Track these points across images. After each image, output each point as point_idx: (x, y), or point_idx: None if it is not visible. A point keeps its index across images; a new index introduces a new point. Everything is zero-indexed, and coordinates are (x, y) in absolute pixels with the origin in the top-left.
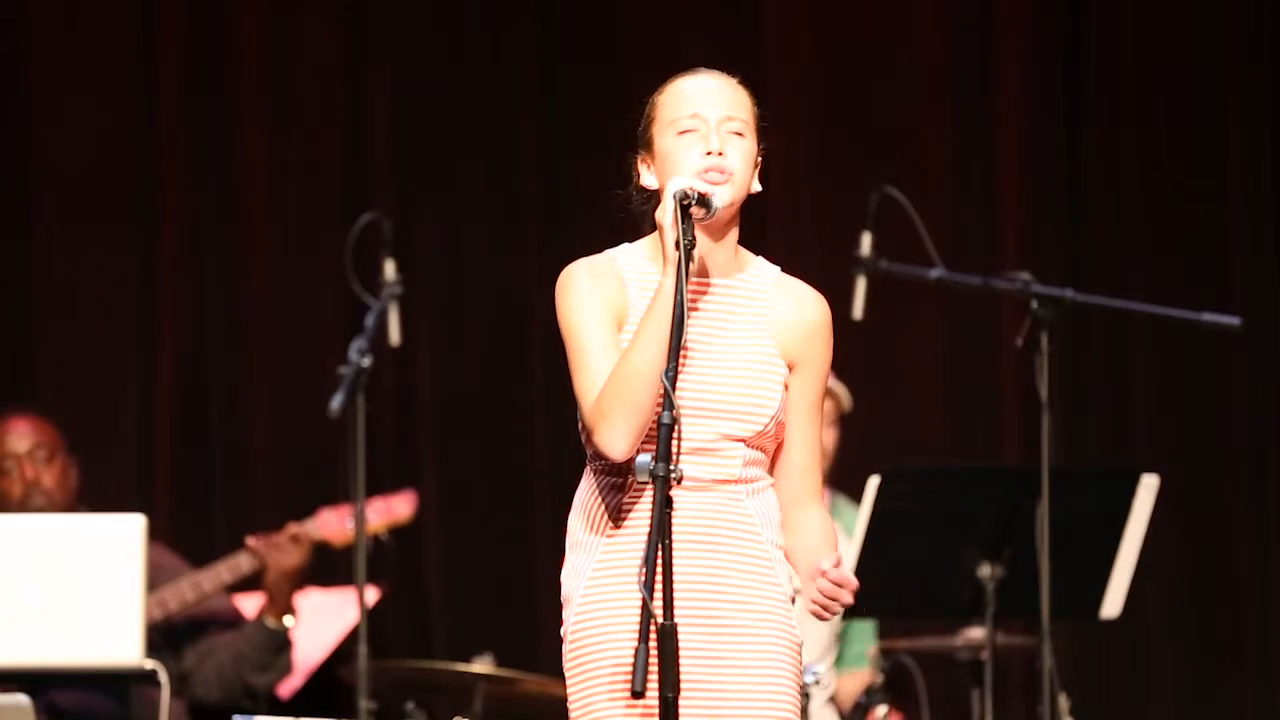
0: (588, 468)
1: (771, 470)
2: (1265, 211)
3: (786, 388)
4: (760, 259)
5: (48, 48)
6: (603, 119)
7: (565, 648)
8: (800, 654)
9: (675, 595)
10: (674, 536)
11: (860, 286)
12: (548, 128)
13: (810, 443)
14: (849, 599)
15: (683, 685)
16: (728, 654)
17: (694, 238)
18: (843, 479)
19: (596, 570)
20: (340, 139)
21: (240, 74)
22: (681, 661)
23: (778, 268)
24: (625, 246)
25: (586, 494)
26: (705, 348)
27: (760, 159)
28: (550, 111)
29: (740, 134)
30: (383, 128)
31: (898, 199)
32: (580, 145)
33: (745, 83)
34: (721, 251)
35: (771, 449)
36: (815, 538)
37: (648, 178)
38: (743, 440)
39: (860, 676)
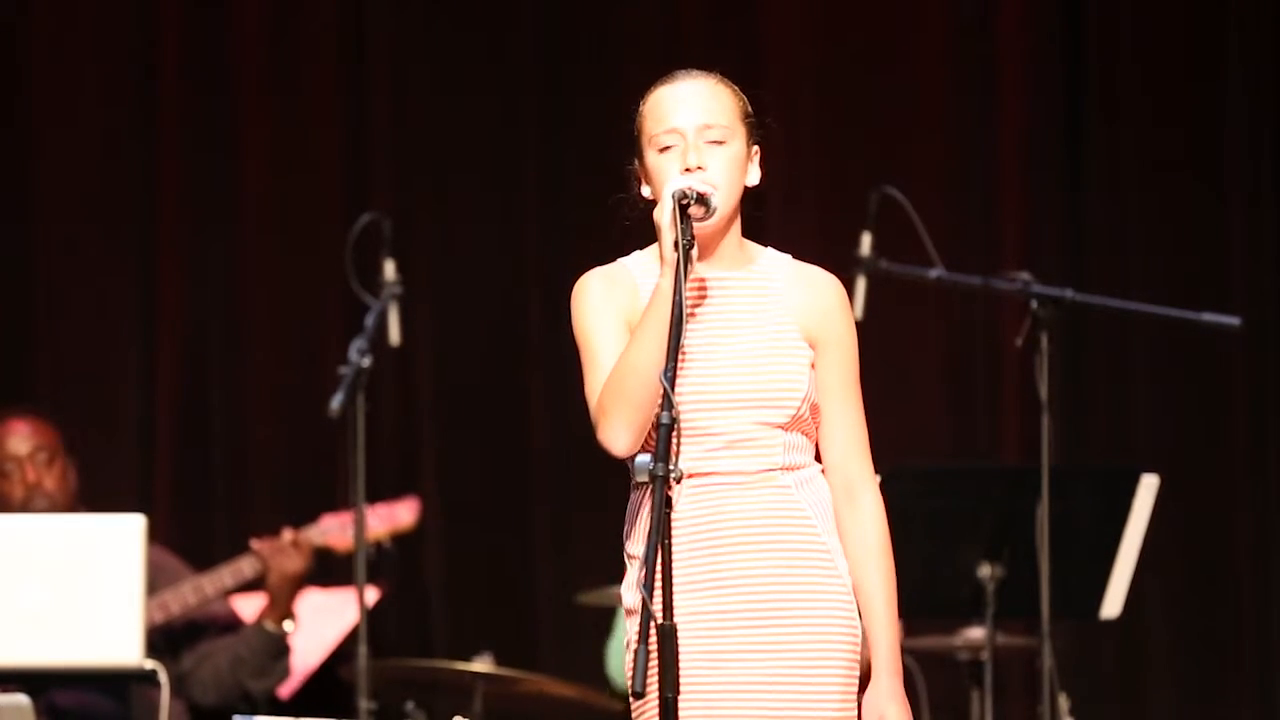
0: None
1: (817, 456)
2: (1265, 211)
3: (813, 367)
4: (770, 249)
5: (48, 48)
6: (603, 119)
7: (625, 658)
8: (860, 644)
9: (737, 594)
10: (730, 535)
11: (860, 286)
12: (548, 128)
13: (848, 425)
14: None
15: (748, 681)
16: (791, 645)
17: (692, 238)
18: None
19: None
20: (340, 139)
21: (240, 74)
22: (749, 657)
23: (789, 255)
24: (637, 254)
25: (634, 506)
26: (727, 340)
27: (757, 151)
28: (550, 111)
29: (720, 141)
30: (383, 128)
31: (898, 199)
32: (580, 146)
33: (730, 75)
34: (729, 245)
35: (813, 433)
36: (858, 552)
37: (645, 188)
38: (780, 426)
39: None
